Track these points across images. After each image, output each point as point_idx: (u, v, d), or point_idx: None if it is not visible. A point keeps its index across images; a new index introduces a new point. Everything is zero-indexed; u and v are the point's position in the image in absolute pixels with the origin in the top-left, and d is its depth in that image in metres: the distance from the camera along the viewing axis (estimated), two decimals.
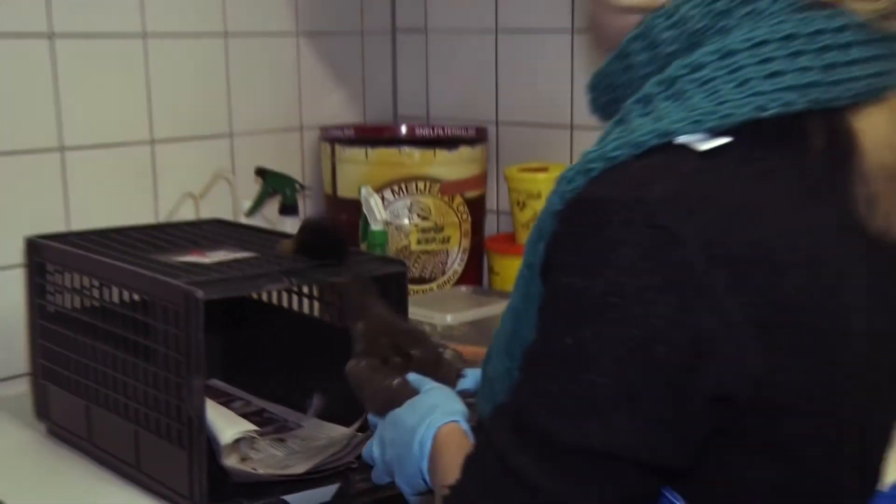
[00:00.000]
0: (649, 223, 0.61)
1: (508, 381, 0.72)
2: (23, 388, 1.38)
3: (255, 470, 1.10)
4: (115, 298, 1.17)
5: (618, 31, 0.72)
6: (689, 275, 0.60)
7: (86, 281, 1.22)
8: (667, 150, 0.64)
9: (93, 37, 1.49)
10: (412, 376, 0.90)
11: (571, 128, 1.66)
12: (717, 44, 0.66)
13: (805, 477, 0.67)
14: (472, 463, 0.70)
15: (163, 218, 1.57)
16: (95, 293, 1.21)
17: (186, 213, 1.59)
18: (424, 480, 0.83)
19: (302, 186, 1.67)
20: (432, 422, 0.82)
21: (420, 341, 0.96)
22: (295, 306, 1.32)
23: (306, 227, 1.19)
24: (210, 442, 1.07)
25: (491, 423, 0.71)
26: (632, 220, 0.61)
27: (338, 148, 1.69)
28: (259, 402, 1.34)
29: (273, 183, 1.63)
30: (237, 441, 1.10)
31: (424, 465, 0.82)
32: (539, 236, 0.69)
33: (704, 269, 0.60)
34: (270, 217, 1.64)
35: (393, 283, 1.16)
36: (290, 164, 1.73)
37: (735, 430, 0.65)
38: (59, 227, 1.45)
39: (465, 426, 0.83)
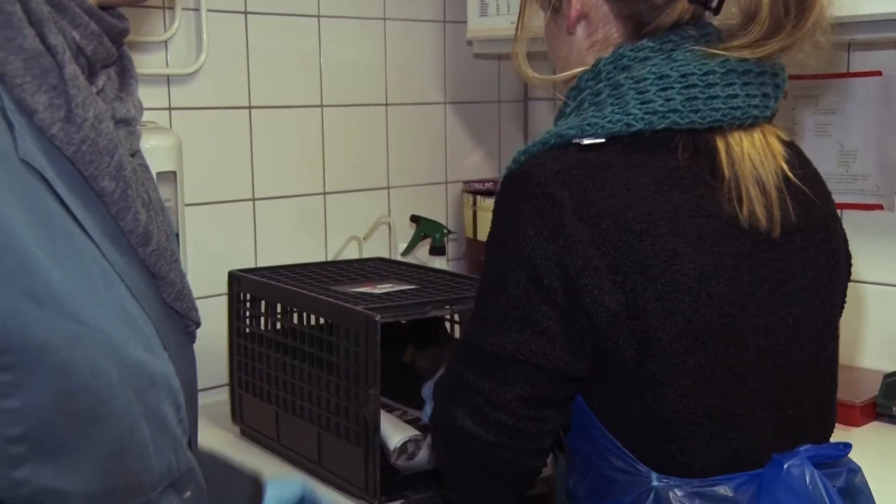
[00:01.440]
0: (539, 191, 0.73)
1: None
2: (222, 396, 1.43)
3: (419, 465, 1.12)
4: (302, 321, 1.22)
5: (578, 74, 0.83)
6: (562, 229, 0.73)
7: (277, 307, 1.26)
8: (563, 146, 0.77)
9: (280, 108, 1.56)
10: None
11: None
12: (613, 80, 0.77)
13: (668, 406, 0.74)
14: (438, 381, 0.84)
15: (331, 256, 1.61)
16: (286, 317, 1.26)
17: (349, 253, 1.63)
18: None
19: (449, 231, 1.69)
20: None
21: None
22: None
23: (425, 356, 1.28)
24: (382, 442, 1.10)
25: (451, 352, 0.83)
26: (528, 188, 0.74)
27: (478, 198, 1.72)
28: (414, 412, 1.34)
29: (425, 228, 1.65)
30: (405, 442, 1.13)
31: None
32: None
33: (574, 225, 0.72)
34: (421, 257, 1.67)
35: None
36: (437, 212, 1.76)
37: (616, 358, 0.73)
38: (249, 262, 1.50)
39: None
